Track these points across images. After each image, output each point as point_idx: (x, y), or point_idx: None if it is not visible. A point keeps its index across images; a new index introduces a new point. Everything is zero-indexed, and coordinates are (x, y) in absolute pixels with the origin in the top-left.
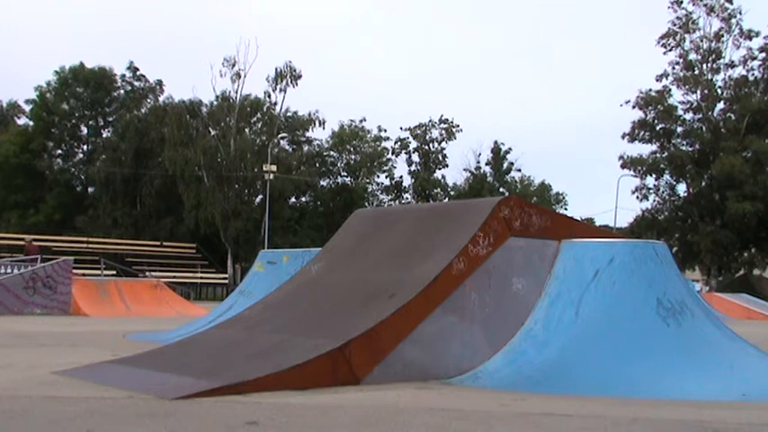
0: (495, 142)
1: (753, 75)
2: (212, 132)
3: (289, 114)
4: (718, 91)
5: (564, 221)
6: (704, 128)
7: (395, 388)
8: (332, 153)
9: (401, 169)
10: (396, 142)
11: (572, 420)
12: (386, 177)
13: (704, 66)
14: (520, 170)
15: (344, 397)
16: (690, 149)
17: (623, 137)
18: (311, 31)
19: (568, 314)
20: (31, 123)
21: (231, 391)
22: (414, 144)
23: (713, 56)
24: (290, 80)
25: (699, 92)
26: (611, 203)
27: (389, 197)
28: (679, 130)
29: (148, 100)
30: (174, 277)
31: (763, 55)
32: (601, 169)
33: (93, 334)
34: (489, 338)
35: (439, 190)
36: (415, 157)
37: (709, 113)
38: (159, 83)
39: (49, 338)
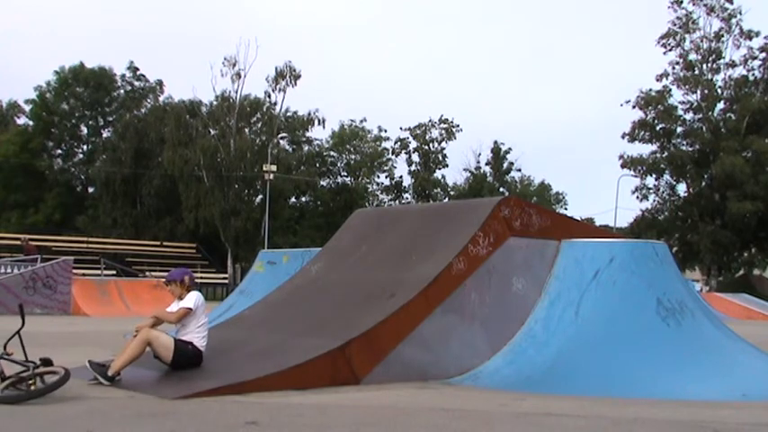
0: (495, 142)
1: (753, 75)
2: (212, 132)
3: (288, 114)
4: (719, 91)
5: (564, 221)
6: (704, 128)
7: (395, 388)
8: (332, 153)
9: (401, 169)
10: (396, 142)
11: (572, 420)
12: (386, 177)
13: (704, 66)
14: (520, 170)
15: (344, 397)
16: (690, 149)
17: (623, 137)
18: (311, 31)
19: (568, 314)
20: (31, 123)
21: (231, 390)
22: (414, 144)
23: (713, 56)
24: (289, 80)
25: (699, 92)
26: (611, 203)
27: (389, 197)
28: (679, 130)
29: (148, 100)
30: None
31: (764, 55)
32: (601, 169)
33: (93, 334)
34: (489, 338)
35: (439, 190)
36: (415, 157)
37: (710, 113)
38: (159, 83)
39: (49, 338)
